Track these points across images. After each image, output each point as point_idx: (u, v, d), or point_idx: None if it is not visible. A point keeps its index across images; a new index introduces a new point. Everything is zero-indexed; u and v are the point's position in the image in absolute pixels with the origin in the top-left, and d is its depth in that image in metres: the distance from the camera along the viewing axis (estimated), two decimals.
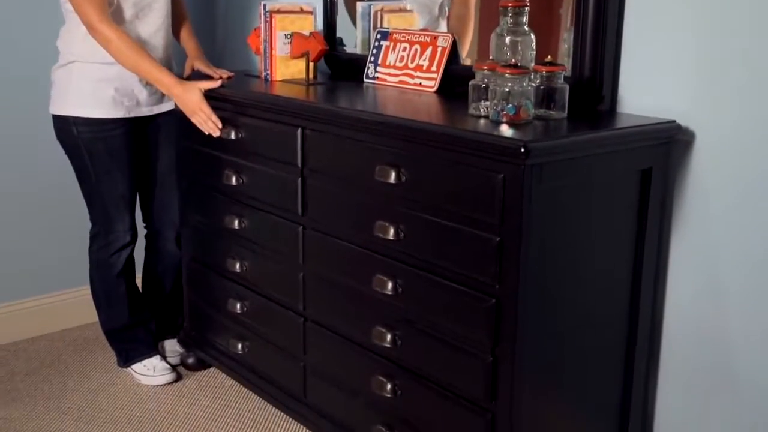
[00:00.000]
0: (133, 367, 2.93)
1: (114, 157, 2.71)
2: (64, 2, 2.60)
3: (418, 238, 2.00)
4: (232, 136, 2.52)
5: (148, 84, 2.70)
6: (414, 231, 2.00)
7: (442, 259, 1.95)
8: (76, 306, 3.31)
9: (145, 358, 2.92)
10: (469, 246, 1.87)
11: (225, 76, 2.70)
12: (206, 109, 2.53)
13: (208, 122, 2.54)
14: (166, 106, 2.79)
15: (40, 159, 3.14)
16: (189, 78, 2.69)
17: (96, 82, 2.64)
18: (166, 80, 2.56)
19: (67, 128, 2.69)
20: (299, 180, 2.33)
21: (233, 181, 2.55)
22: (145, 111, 2.75)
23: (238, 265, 2.62)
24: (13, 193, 3.16)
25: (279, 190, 2.42)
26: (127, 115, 2.70)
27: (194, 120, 2.56)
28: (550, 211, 1.82)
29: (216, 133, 2.54)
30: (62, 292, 3.32)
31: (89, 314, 3.18)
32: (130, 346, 2.94)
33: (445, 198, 1.91)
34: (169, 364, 2.96)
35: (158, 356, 2.94)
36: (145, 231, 3.00)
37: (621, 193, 1.99)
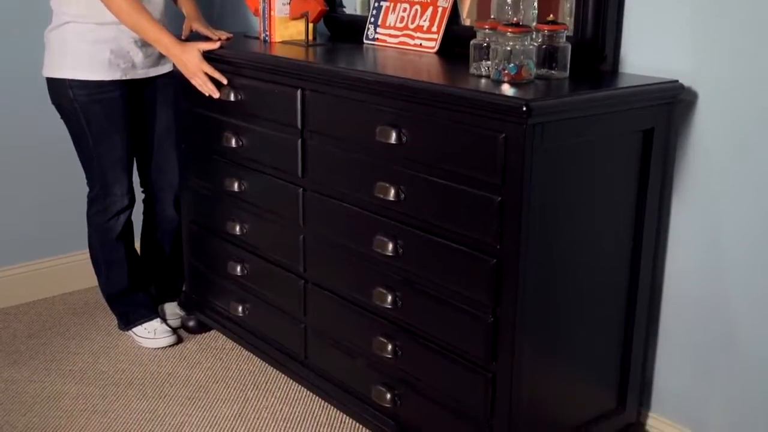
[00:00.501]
0: (134, 330, 2.93)
1: (110, 120, 2.70)
2: None
3: (419, 199, 1.99)
4: (232, 97, 2.50)
5: (143, 46, 2.68)
6: (415, 192, 2.00)
7: (443, 220, 1.94)
8: (77, 270, 3.31)
9: (145, 321, 2.92)
10: (471, 206, 1.87)
11: (224, 37, 2.67)
12: (207, 68, 2.50)
13: (207, 83, 2.52)
14: (163, 69, 2.77)
15: (38, 122, 3.12)
16: (187, 40, 2.66)
17: (91, 44, 2.61)
18: (165, 40, 2.53)
19: (62, 91, 2.67)
20: (299, 141, 2.31)
21: (233, 143, 2.54)
22: (141, 73, 2.73)
23: (238, 228, 2.61)
24: (12, 157, 3.15)
25: (279, 151, 2.40)
26: (123, 77, 2.68)
27: (194, 82, 2.54)
28: (552, 172, 1.81)
29: (216, 95, 2.52)
30: (63, 256, 3.32)
31: (90, 278, 3.17)
32: (131, 310, 2.95)
33: (446, 158, 1.90)
34: (170, 327, 2.96)
35: (159, 319, 2.94)
36: (143, 195, 2.99)
37: (622, 153, 1.98)
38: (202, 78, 2.52)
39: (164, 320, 3.00)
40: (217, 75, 2.51)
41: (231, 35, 2.71)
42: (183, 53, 2.52)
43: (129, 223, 2.88)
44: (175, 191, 2.93)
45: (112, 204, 2.80)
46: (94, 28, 2.60)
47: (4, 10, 3.03)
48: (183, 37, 2.71)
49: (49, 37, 2.67)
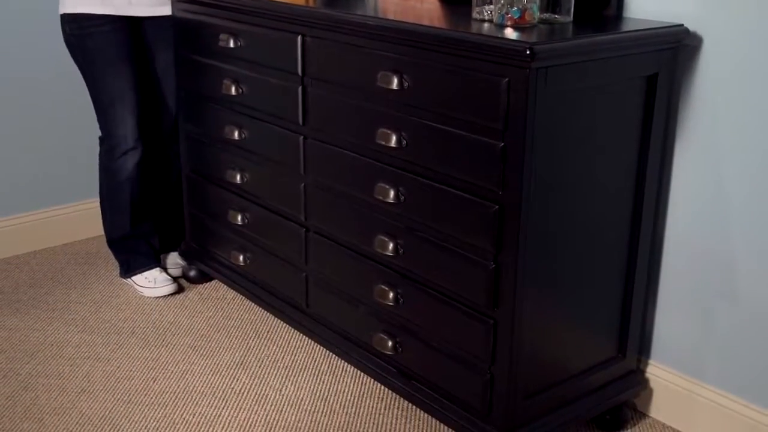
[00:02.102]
0: (134, 278, 2.94)
1: (104, 54, 2.70)
2: None
3: (421, 145, 1.97)
4: (231, 44, 2.47)
5: None
6: (417, 138, 1.98)
7: (445, 166, 1.93)
8: (78, 220, 3.31)
9: (145, 270, 2.93)
10: (473, 152, 1.85)
11: None
12: None
13: None
14: (162, 10, 2.73)
15: (38, 69, 3.10)
16: None
17: None
18: None
19: (62, 27, 2.72)
20: (299, 89, 2.29)
21: (232, 90, 2.51)
22: (136, 11, 2.70)
23: (238, 177, 2.60)
24: (11, 106, 3.12)
25: (279, 99, 2.38)
26: (115, 13, 2.67)
27: None
28: (555, 117, 1.80)
29: None
30: (64, 206, 3.31)
31: (91, 228, 3.19)
32: (132, 257, 2.95)
33: (448, 104, 1.88)
34: (171, 276, 2.97)
35: (159, 268, 2.95)
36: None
37: (626, 98, 1.96)
38: None
39: (165, 269, 3.00)
40: None
41: None
42: None
43: (138, 169, 2.85)
44: (174, 135, 2.92)
45: (116, 145, 2.81)
46: None
47: None
48: None
49: None
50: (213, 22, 2.55)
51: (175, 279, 2.96)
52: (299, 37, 2.25)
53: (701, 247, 2.10)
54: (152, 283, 2.90)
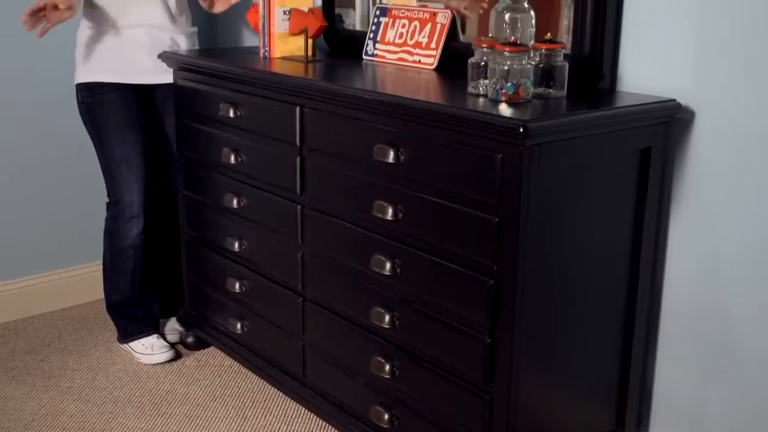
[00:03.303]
0: (131, 344, 2.93)
1: (112, 121, 2.75)
2: None
3: (417, 218, 1.98)
4: (231, 113, 2.50)
5: (149, 51, 2.73)
6: (413, 211, 1.99)
7: (440, 240, 1.94)
8: (77, 284, 3.31)
9: (143, 337, 2.92)
10: (468, 226, 1.86)
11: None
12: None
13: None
14: (171, 77, 2.77)
15: (38, 140, 3.14)
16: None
17: (94, 48, 2.71)
18: None
19: (76, 95, 2.79)
20: (298, 159, 2.31)
21: (232, 159, 2.53)
22: (145, 79, 2.77)
23: (237, 244, 2.61)
24: (13, 171, 3.14)
25: (278, 168, 2.40)
26: (123, 81, 2.74)
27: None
28: (549, 191, 1.81)
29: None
30: (62, 270, 3.31)
31: (89, 293, 3.18)
32: (130, 323, 2.94)
33: (443, 178, 1.90)
34: (168, 342, 2.96)
35: (157, 335, 2.94)
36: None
37: (620, 172, 1.97)
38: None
39: (163, 336, 2.99)
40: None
41: None
42: None
43: (142, 238, 2.86)
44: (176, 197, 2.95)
45: (122, 210, 2.82)
46: (96, 31, 2.70)
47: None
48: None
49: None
50: (213, 91, 2.58)
51: (172, 345, 2.95)
52: (298, 108, 2.27)
53: (699, 311, 2.09)
54: (149, 350, 2.89)
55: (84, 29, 2.74)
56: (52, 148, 3.18)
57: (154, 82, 2.80)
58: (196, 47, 2.93)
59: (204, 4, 2.88)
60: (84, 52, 2.74)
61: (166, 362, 2.89)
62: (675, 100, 1.97)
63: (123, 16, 2.72)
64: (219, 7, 2.84)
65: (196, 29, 2.93)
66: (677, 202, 2.08)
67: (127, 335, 2.94)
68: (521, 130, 1.67)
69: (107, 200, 2.88)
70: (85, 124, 2.82)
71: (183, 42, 2.84)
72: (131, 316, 2.95)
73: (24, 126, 3.12)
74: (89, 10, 2.71)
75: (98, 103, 2.75)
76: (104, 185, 2.86)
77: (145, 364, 2.88)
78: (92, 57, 2.73)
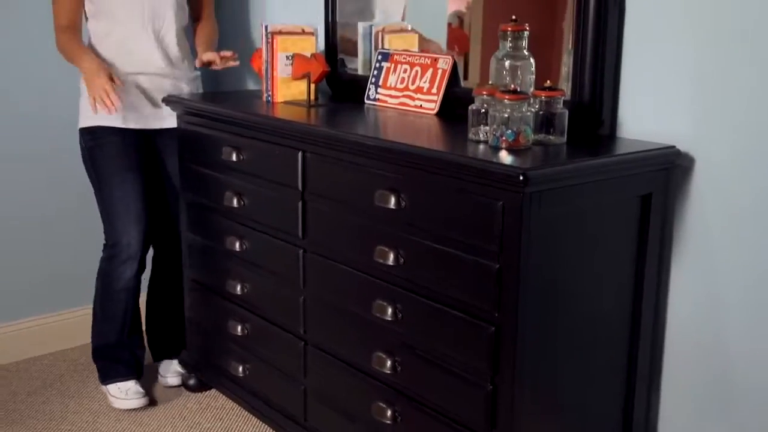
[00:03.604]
0: (108, 387, 2.89)
1: (113, 165, 2.77)
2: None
3: (418, 264, 1.99)
4: (234, 158, 2.52)
5: (152, 97, 2.77)
6: (414, 256, 2.00)
7: (441, 286, 1.94)
8: (77, 326, 3.30)
9: (121, 381, 2.88)
10: (469, 273, 1.86)
11: (228, 55, 2.78)
12: (108, 87, 2.58)
13: (101, 95, 2.58)
14: (173, 122, 2.80)
15: (35, 184, 3.17)
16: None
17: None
18: (82, 60, 2.66)
19: (80, 140, 2.82)
20: (300, 203, 2.32)
21: (234, 202, 2.55)
22: (148, 124, 2.80)
23: (239, 287, 2.61)
24: (13, 212, 3.17)
25: (280, 212, 2.41)
26: (124, 126, 2.76)
27: (92, 94, 2.61)
28: (550, 238, 1.81)
29: (105, 110, 2.61)
30: (63, 312, 3.32)
31: (90, 334, 3.16)
32: (110, 365, 2.90)
33: (444, 224, 1.91)
34: (170, 384, 2.95)
35: (135, 380, 2.90)
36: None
37: (621, 218, 1.98)
38: (98, 90, 2.59)
39: (164, 376, 3.00)
40: (112, 97, 2.58)
41: (235, 54, 2.80)
42: (97, 73, 2.61)
43: (135, 281, 2.86)
44: (178, 242, 2.94)
45: (118, 253, 2.81)
46: None
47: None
48: (197, 65, 2.85)
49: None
50: (217, 135, 2.60)
51: (175, 386, 2.95)
52: (300, 153, 2.29)
53: (701, 354, 2.08)
54: (123, 394, 2.85)
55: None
56: (53, 192, 3.21)
57: (155, 128, 2.83)
58: (200, 91, 2.96)
59: (197, 62, 2.87)
60: (86, 99, 2.73)
61: (136, 409, 2.84)
62: (675, 146, 1.99)
63: (125, 64, 2.75)
64: (205, 56, 2.82)
65: (198, 74, 2.96)
66: (678, 247, 2.09)
67: (106, 377, 2.91)
68: (521, 178, 1.68)
69: (104, 242, 2.88)
70: (87, 167, 2.83)
71: (185, 87, 2.87)
72: (115, 358, 2.91)
73: (26, 172, 3.15)
74: None
75: (99, 146, 2.77)
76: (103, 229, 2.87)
77: (143, 407, 2.85)
78: (90, 104, 2.68)
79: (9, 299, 3.20)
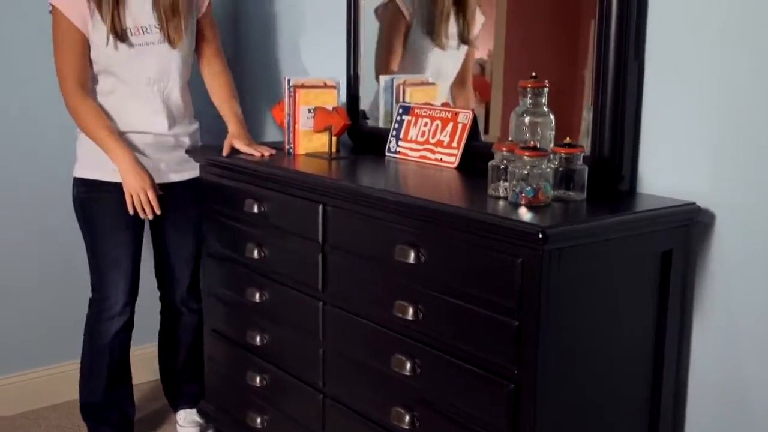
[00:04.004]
0: None
1: (108, 220, 2.71)
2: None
3: (437, 319, 1.99)
4: (255, 209, 2.54)
5: (154, 154, 2.74)
6: (433, 311, 2.00)
7: (461, 341, 1.94)
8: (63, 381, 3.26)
9: None
10: (488, 329, 1.86)
11: (267, 153, 2.66)
12: (144, 200, 2.58)
13: (142, 201, 2.58)
14: (171, 177, 2.78)
15: (37, 231, 3.19)
16: (228, 156, 2.67)
17: (93, 145, 2.66)
18: (119, 154, 2.59)
19: (73, 189, 2.75)
20: (320, 256, 2.33)
21: (255, 254, 2.57)
22: None
23: (258, 338, 2.62)
24: (29, 257, 3.19)
25: (300, 264, 2.42)
26: (122, 181, 2.67)
27: (127, 197, 2.61)
28: (570, 295, 1.81)
29: (141, 214, 2.61)
30: (65, 363, 3.30)
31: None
32: (98, 426, 2.86)
33: (463, 280, 1.91)
34: None
35: None
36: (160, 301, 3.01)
37: (641, 275, 1.98)
38: (137, 199, 2.59)
39: (182, 426, 3.00)
40: (155, 206, 2.60)
41: (274, 151, 2.69)
42: (129, 172, 2.59)
43: (123, 335, 2.81)
44: (189, 294, 2.93)
45: (107, 308, 2.76)
46: None
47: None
48: (224, 154, 2.69)
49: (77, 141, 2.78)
50: (239, 187, 2.63)
51: None
52: (321, 207, 2.31)
53: (724, 412, 2.05)
54: None
55: (83, 132, 2.70)
56: (50, 238, 3.21)
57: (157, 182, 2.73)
58: (199, 144, 2.91)
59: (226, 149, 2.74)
60: (85, 149, 2.71)
61: None
62: (695, 203, 1.98)
63: (128, 122, 2.69)
64: (238, 144, 2.72)
65: (197, 125, 2.90)
66: (700, 304, 2.07)
67: None
68: (540, 235, 1.69)
69: (91, 296, 2.81)
70: (78, 217, 2.76)
71: (186, 141, 2.83)
72: (103, 419, 2.86)
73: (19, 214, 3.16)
74: None
75: (95, 200, 2.71)
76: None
77: None
78: (93, 156, 2.67)
79: (29, 346, 3.20)
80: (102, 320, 2.78)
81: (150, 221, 2.79)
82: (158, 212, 2.61)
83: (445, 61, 2.70)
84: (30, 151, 3.15)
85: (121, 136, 2.64)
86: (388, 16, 2.80)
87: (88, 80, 2.65)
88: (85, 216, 2.74)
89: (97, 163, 2.67)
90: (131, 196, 2.61)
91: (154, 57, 2.67)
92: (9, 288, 3.19)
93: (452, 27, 2.62)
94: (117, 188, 2.67)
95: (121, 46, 2.62)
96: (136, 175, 2.59)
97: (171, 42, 2.68)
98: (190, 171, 2.83)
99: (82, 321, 2.85)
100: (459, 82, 2.68)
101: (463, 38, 2.62)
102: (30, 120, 3.13)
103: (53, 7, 2.58)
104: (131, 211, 2.63)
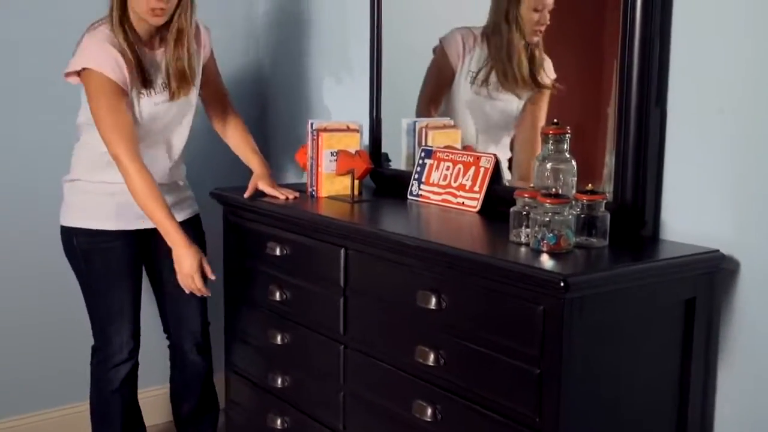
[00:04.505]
0: None
1: (111, 269, 2.66)
2: (83, 122, 2.60)
3: (459, 365, 1.98)
4: (277, 252, 2.55)
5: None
6: (454, 357, 1.99)
7: (482, 388, 1.93)
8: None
9: None
10: (509, 376, 1.85)
11: (291, 197, 2.65)
12: (198, 281, 2.52)
13: (196, 286, 2.54)
14: (177, 216, 2.66)
15: (36, 276, 3.16)
16: (252, 198, 2.67)
17: (97, 196, 2.62)
18: (173, 235, 2.50)
19: (68, 239, 2.66)
20: (342, 299, 2.34)
21: (277, 296, 2.57)
22: (148, 224, 2.61)
23: (279, 380, 2.62)
24: (19, 307, 3.16)
25: (322, 307, 2.43)
26: (127, 228, 2.65)
27: (180, 279, 2.55)
28: (592, 343, 1.80)
29: (205, 293, 2.57)
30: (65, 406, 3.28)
31: None
32: None
33: (485, 326, 1.91)
34: None
35: None
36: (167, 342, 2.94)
37: (664, 323, 1.96)
38: (192, 282, 2.53)
39: None
40: (202, 290, 2.54)
41: (297, 194, 2.68)
42: (185, 257, 2.51)
43: (131, 378, 2.77)
44: (199, 337, 2.85)
45: (111, 355, 2.72)
46: (103, 185, 2.61)
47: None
48: (246, 195, 2.68)
49: (64, 187, 2.69)
50: (261, 229, 2.64)
51: None
52: (342, 250, 2.32)
53: None
54: None
55: (80, 181, 2.65)
56: (50, 282, 3.16)
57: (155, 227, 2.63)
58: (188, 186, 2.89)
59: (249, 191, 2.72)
60: (82, 198, 2.64)
61: None
62: (719, 250, 1.97)
63: None
64: (263, 185, 2.71)
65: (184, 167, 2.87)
66: (725, 352, 2.05)
67: None
68: (562, 284, 1.68)
69: (93, 344, 2.76)
70: (78, 267, 2.68)
71: (183, 177, 2.81)
72: None
73: (22, 254, 3.14)
74: (94, 167, 2.62)
75: (99, 251, 2.64)
76: None
77: None
78: (91, 205, 2.63)
79: (42, 387, 3.18)
80: (108, 369, 2.73)
81: (150, 263, 2.77)
82: (212, 278, 2.55)
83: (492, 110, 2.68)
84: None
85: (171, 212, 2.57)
86: (436, 58, 2.76)
87: (137, 138, 2.54)
88: (88, 267, 2.66)
89: (94, 213, 2.63)
90: (186, 278, 2.54)
91: (163, 111, 2.62)
92: (61, 318, 3.17)
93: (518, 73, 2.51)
94: (119, 236, 2.64)
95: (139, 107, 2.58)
96: (191, 258, 2.51)
97: (179, 96, 2.62)
98: (190, 209, 2.81)
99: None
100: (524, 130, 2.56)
101: (534, 82, 2.49)
102: (29, 172, 3.11)
103: (87, 69, 2.47)
104: (187, 292, 2.59)
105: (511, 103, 2.58)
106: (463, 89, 2.68)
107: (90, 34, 2.52)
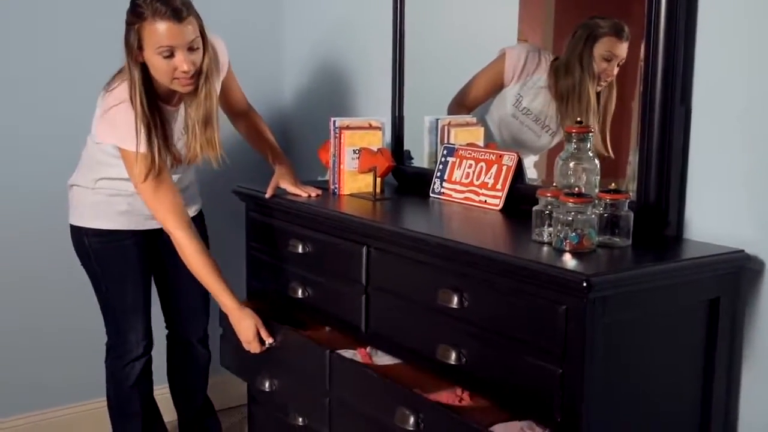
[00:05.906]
0: None
1: (123, 267, 2.70)
2: (94, 143, 2.61)
3: (480, 363, 1.98)
4: (300, 249, 2.56)
5: None
6: (476, 356, 1.99)
7: (504, 387, 1.92)
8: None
9: None
10: (531, 375, 1.85)
11: (314, 194, 2.65)
12: (255, 344, 2.55)
13: (256, 347, 2.57)
14: None
15: (49, 275, 3.17)
16: (273, 196, 2.68)
17: (108, 197, 2.64)
18: (227, 303, 2.54)
19: (79, 238, 2.69)
20: (363, 297, 2.34)
21: (299, 293, 2.58)
22: (156, 224, 2.64)
23: None
24: (44, 303, 3.19)
25: (344, 305, 2.43)
26: (138, 228, 2.69)
27: (245, 346, 2.58)
28: (615, 343, 1.79)
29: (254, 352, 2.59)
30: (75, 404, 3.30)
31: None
32: None
33: (507, 325, 1.90)
34: None
35: None
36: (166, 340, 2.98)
37: (688, 322, 1.95)
38: (251, 345, 2.57)
39: None
40: (267, 340, 2.56)
41: (320, 191, 2.68)
42: (241, 321, 2.54)
43: (146, 372, 2.80)
44: (205, 331, 2.90)
45: (127, 352, 2.75)
46: (111, 185, 2.64)
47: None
48: (268, 195, 2.68)
49: (71, 191, 2.72)
50: (284, 227, 2.65)
51: None
52: (365, 248, 2.32)
53: None
54: None
55: (87, 188, 2.66)
56: (63, 280, 3.16)
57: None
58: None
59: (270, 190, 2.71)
60: (91, 199, 2.66)
61: None
62: (743, 250, 1.95)
63: None
64: (284, 184, 2.71)
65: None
66: (749, 352, 2.03)
67: None
68: (585, 284, 1.68)
69: (107, 342, 2.79)
70: (90, 267, 2.71)
71: (190, 174, 2.82)
72: None
73: (34, 254, 3.15)
74: (99, 185, 2.64)
75: (111, 250, 2.68)
76: None
77: None
78: (103, 206, 2.65)
79: (51, 385, 3.20)
80: (124, 366, 2.76)
81: (157, 260, 2.79)
82: (270, 341, 2.56)
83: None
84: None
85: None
86: (493, 65, 2.70)
87: (182, 206, 2.56)
88: (102, 267, 2.70)
89: (107, 213, 2.66)
90: (246, 345, 2.58)
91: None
92: (76, 321, 3.18)
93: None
94: (129, 235, 2.68)
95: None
96: (247, 323, 2.54)
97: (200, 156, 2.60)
98: (195, 206, 2.82)
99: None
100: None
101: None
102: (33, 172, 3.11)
103: (123, 149, 2.47)
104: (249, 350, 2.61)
105: (542, 139, 2.59)
106: (503, 106, 2.66)
107: (115, 108, 2.45)
